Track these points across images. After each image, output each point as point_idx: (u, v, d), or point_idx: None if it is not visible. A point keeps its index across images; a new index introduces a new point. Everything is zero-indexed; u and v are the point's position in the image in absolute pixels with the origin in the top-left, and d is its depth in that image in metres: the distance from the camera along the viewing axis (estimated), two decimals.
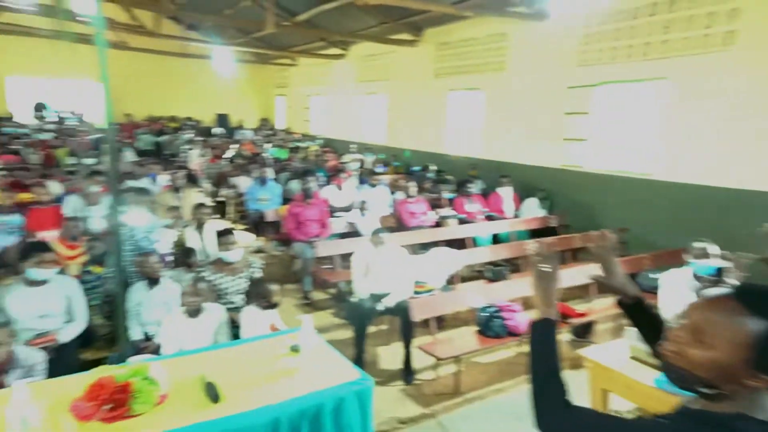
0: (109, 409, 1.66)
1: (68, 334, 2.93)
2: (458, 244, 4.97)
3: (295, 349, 2.21)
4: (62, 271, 3.35)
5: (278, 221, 5.81)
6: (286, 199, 6.14)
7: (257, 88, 16.03)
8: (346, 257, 4.41)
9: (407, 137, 9.67)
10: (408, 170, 8.64)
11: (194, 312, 2.76)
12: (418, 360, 3.40)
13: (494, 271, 4.46)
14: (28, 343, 2.66)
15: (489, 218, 5.94)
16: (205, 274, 3.34)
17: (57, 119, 11.68)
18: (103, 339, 3.74)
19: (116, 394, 1.67)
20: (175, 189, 5.45)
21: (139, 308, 3.19)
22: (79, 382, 1.88)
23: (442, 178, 7.13)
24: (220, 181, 7.66)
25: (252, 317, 2.84)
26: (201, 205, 4.48)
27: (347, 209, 5.78)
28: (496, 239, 5.63)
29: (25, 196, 5.28)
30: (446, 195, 6.36)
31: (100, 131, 10.82)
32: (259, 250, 5.70)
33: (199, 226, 4.31)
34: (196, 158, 8.45)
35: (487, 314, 3.36)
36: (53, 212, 4.93)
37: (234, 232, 3.64)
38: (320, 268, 4.81)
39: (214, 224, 4.53)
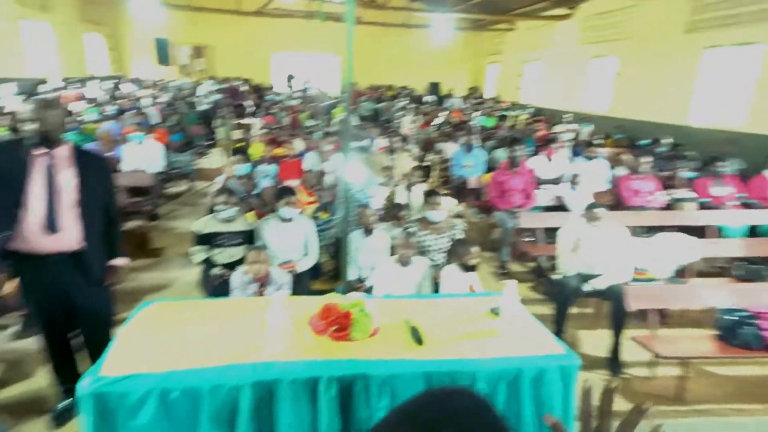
0: (335, 329, 1.96)
1: (304, 264, 3.54)
2: (696, 232, 4.18)
3: (495, 311, 2.22)
4: (302, 213, 4.05)
5: (480, 189, 5.81)
6: (490, 168, 6.08)
7: (469, 56, 16.03)
8: (550, 232, 4.17)
9: (636, 105, 8.41)
10: (632, 143, 7.56)
11: (404, 262, 3.01)
12: (628, 352, 3.04)
13: (748, 270, 3.62)
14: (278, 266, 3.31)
15: (746, 206, 4.79)
16: (412, 229, 3.59)
17: (302, 88, 13.86)
18: (327, 275, 4.40)
19: (341, 319, 1.96)
20: (390, 151, 5.93)
21: (356, 253, 3.65)
22: (314, 303, 2.27)
23: (679, 154, 6.01)
24: (427, 146, 8.03)
25: (452, 276, 2.95)
26: (417, 168, 4.81)
27: (555, 182, 5.41)
28: (753, 232, 4.53)
29: (279, 151, 6.46)
30: (684, 174, 5.36)
31: (333, 98, 12.49)
32: (458, 215, 5.84)
33: (409, 186, 4.64)
34: (407, 124, 9.02)
35: (735, 318, 2.76)
36: (297, 165, 5.93)
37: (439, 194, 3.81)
38: (520, 240, 4.67)
39: (421, 186, 4.82)
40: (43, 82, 10.30)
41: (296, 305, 2.27)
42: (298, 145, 6.72)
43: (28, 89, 8.90)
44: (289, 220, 3.51)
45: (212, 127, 10.05)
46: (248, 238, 3.56)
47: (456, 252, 3.02)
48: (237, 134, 9.45)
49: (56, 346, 2.61)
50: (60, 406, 2.63)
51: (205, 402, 1.62)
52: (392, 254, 3.32)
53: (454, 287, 2.87)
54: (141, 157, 5.93)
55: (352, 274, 3.64)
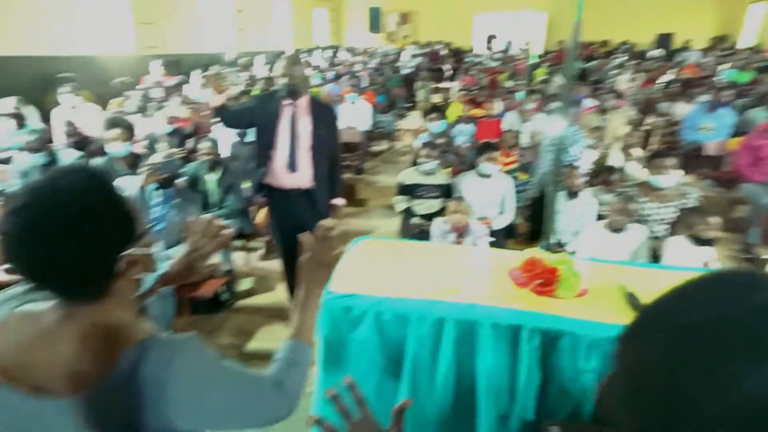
0: (539, 283, 1.89)
1: (500, 222, 3.50)
2: None
3: None
4: (501, 170, 3.96)
5: (721, 156, 4.78)
6: (739, 132, 4.92)
7: None
8: None
9: None
10: None
11: (617, 228, 2.71)
12: None
13: None
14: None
15: None
16: (632, 195, 3.18)
17: (503, 48, 13.34)
18: (521, 237, 4.28)
19: (546, 274, 1.87)
20: (602, 111, 5.31)
21: (556, 216, 3.43)
22: (513, 256, 2.23)
23: None
24: (647, 107, 6.92)
25: (679, 248, 2.53)
26: (634, 130, 4.23)
27: None
28: None
29: (476, 111, 6.41)
30: None
31: (536, 58, 11.71)
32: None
33: (625, 149, 4.10)
34: (624, 83, 7.91)
35: None
36: (495, 125, 5.80)
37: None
38: None
39: (637, 150, 4.21)
40: (282, 53, 12.20)
41: (496, 256, 2.26)
42: (497, 105, 6.54)
43: (272, 59, 10.68)
44: (488, 176, 3.47)
45: (413, 89, 10.50)
46: (446, 191, 3.66)
47: (687, 221, 2.58)
48: (435, 97, 9.71)
49: (291, 268, 3.16)
50: None
51: (413, 328, 1.76)
52: (600, 219, 3.01)
53: (681, 262, 2.46)
54: (353, 115, 6.58)
55: (551, 237, 3.45)
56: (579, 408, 1.60)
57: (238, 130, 4.96)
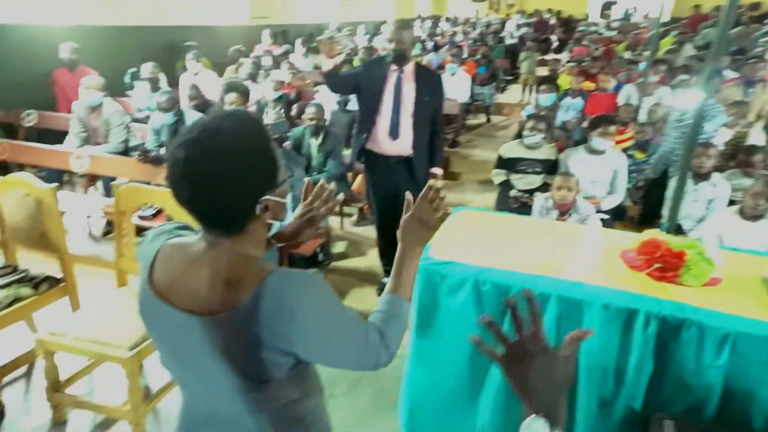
0: (658, 268, 1.72)
1: (608, 203, 3.23)
2: None
3: None
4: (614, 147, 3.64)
5: None
6: None
7: None
8: None
9: None
10: None
11: (755, 216, 2.37)
12: None
13: None
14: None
15: None
16: None
17: (622, 16, 12.10)
18: (630, 220, 3.94)
19: (669, 258, 1.70)
20: (746, 84, 4.62)
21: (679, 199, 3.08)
22: (628, 238, 2.05)
23: None
24: None
25: None
26: None
27: None
28: None
29: (587, 85, 5.92)
30: None
31: (662, 25, 10.45)
32: None
33: None
34: None
35: None
36: (608, 99, 5.33)
37: None
38: None
39: None
40: (384, 23, 12.19)
41: (606, 235, 2.10)
42: (611, 78, 5.98)
43: (372, 30, 10.72)
44: (601, 152, 3.20)
45: (516, 61, 9.98)
46: (549, 167, 3.46)
47: None
48: (541, 70, 9.13)
49: (385, 234, 3.21)
50: (384, 280, 3.29)
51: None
52: (732, 205, 2.66)
53: None
54: (452, 86, 6.41)
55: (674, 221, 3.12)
56: (700, 405, 1.45)
57: (338, 98, 5.08)
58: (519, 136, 3.71)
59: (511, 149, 3.54)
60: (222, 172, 0.74)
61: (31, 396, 2.28)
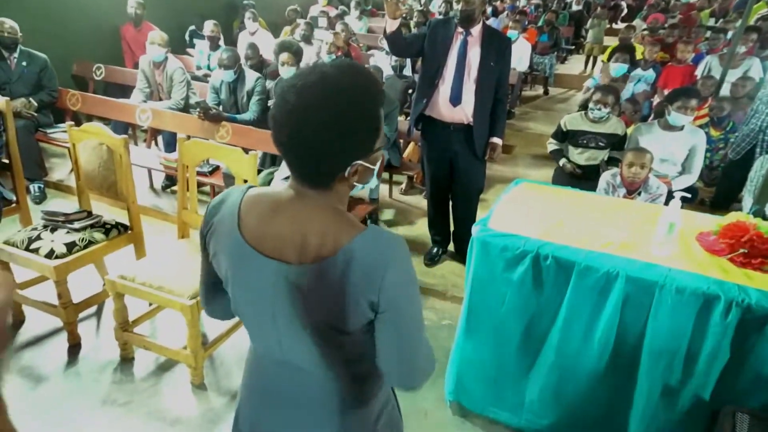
0: (742, 253, 1.59)
1: (681, 182, 3.02)
2: None
3: None
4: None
5: None
6: None
7: None
8: None
9: None
10: None
11: None
12: None
13: None
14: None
15: None
16: None
17: None
18: (700, 202, 3.69)
19: (757, 243, 1.56)
20: None
21: (757, 183, 2.84)
22: (704, 219, 1.92)
23: None
24: None
25: None
26: None
27: None
28: None
29: (662, 55, 5.48)
30: None
31: None
32: None
33: None
34: None
35: None
36: (686, 71, 4.92)
37: None
38: None
39: None
40: None
41: (682, 217, 1.96)
42: (690, 48, 5.49)
43: None
44: (679, 128, 2.97)
45: (581, 29, 9.39)
46: (615, 143, 3.26)
47: None
48: (608, 39, 8.53)
49: (436, 203, 3.15)
50: (433, 250, 3.26)
51: (576, 277, 1.63)
52: None
53: None
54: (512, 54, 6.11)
55: (746, 206, 2.89)
56: None
57: (392, 62, 4.96)
58: (584, 107, 3.49)
59: (574, 121, 3.35)
60: (328, 127, 0.72)
61: (102, 333, 2.44)
